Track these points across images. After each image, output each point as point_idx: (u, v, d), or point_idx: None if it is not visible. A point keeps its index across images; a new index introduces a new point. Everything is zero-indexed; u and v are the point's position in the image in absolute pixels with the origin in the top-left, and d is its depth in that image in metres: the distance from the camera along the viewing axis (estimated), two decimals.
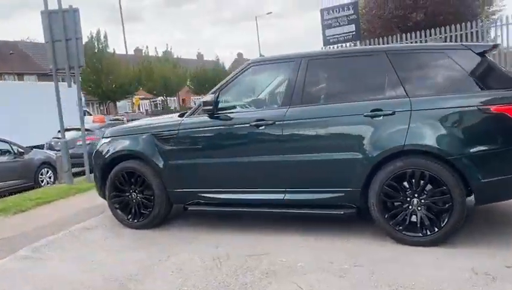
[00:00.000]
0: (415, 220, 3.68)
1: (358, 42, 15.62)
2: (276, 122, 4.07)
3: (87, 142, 9.17)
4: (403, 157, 3.67)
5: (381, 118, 3.73)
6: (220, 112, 4.34)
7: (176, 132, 4.52)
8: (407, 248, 3.62)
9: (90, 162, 6.69)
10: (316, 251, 3.73)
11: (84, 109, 17.36)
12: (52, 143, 12.79)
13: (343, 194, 3.92)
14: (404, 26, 18.56)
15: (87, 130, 9.81)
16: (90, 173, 7.59)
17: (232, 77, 4.44)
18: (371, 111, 3.76)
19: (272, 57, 4.55)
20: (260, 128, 4.14)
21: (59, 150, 9.39)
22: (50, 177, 10.43)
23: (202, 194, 4.48)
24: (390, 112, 3.69)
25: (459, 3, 20.03)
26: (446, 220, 3.56)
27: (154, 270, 3.64)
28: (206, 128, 4.42)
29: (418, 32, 14.02)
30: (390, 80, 3.83)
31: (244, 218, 4.69)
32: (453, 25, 13.48)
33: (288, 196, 4.12)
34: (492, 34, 13.60)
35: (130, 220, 4.85)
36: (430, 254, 3.47)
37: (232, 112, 4.33)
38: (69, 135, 10.04)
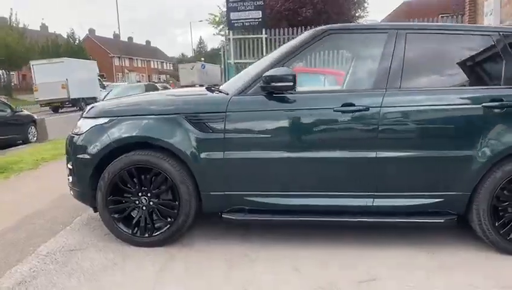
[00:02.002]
0: None
1: (264, 30, 15.14)
2: (371, 109, 3.19)
3: None
4: None
5: (503, 109, 3.16)
6: (290, 92, 3.25)
7: (223, 114, 3.28)
8: None
9: None
10: (439, 271, 2.99)
11: None
12: None
13: (443, 199, 3.25)
14: (293, 20, 18.84)
15: None
16: None
17: (302, 46, 3.38)
18: (490, 101, 3.16)
19: (357, 26, 3.64)
20: (347, 115, 3.21)
21: None
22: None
23: (252, 199, 3.35)
24: None
25: (344, 3, 21.18)
26: None
27: None
28: (268, 112, 3.29)
29: (302, 28, 14.32)
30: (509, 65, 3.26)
31: (292, 227, 3.69)
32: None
33: (378, 202, 3.29)
34: None
35: (138, 235, 3.44)
36: None
37: (306, 92, 3.29)
38: None
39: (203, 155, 3.29)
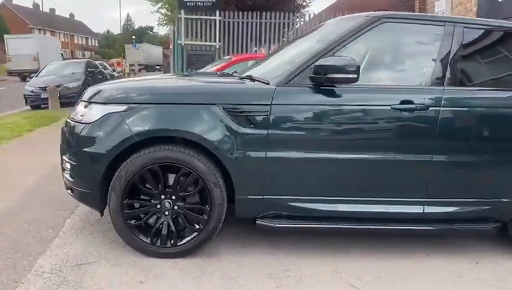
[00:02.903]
0: None
1: (218, 12, 14.51)
2: (430, 108, 2.92)
3: None
4: None
5: None
6: (341, 85, 2.88)
7: (267, 106, 2.83)
8: None
9: None
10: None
11: None
12: None
13: (493, 206, 3.10)
14: (241, 4, 18.37)
15: None
16: None
17: (352, 33, 3.01)
18: None
19: (413, 15, 3.27)
20: (405, 114, 2.91)
21: None
22: None
23: (294, 204, 2.96)
24: None
25: None
26: None
27: None
28: (316, 106, 2.89)
29: (250, 13, 14.26)
30: None
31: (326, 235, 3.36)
32: (273, 12, 14.38)
33: (428, 209, 3.05)
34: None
35: (159, 245, 2.91)
36: None
37: (360, 86, 2.93)
38: None
39: (242, 153, 2.84)
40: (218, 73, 4.22)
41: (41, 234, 3.18)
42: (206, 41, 14.58)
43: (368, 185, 3.00)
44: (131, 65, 28.72)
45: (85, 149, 2.84)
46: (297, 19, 14.65)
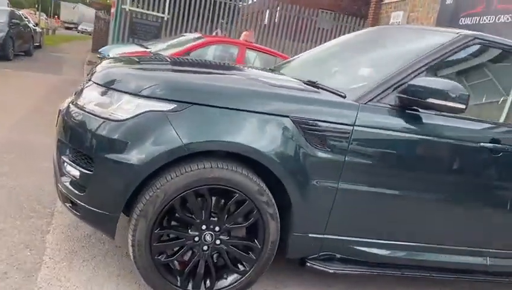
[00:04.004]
0: None
1: None
2: None
3: None
4: None
5: None
6: (424, 111, 2.42)
7: (350, 127, 2.27)
8: None
9: None
10: None
11: None
12: None
13: None
14: None
15: None
16: None
17: (441, 51, 2.52)
18: None
19: (506, 41, 2.84)
20: (493, 154, 2.53)
21: None
22: None
23: (357, 247, 2.47)
24: None
25: None
26: None
27: None
28: (404, 135, 2.37)
29: None
30: None
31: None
32: None
33: (493, 261, 2.73)
34: None
35: (190, 289, 2.24)
36: None
37: (448, 117, 2.48)
38: None
39: (311, 181, 2.25)
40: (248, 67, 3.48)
41: (17, 257, 2.31)
42: (153, 11, 13.39)
43: (439, 230, 2.59)
44: (66, 23, 26.14)
45: (109, 156, 2.05)
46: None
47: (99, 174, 2.09)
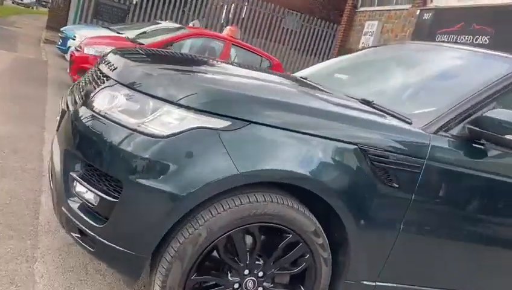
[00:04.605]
0: None
1: None
2: None
3: None
4: None
5: None
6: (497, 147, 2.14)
7: (422, 162, 1.94)
8: None
9: None
10: None
11: None
12: None
13: None
14: None
15: None
16: None
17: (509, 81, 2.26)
18: None
19: None
20: None
21: None
22: None
23: None
24: None
25: None
26: None
27: None
28: (476, 174, 2.07)
29: None
30: None
31: None
32: None
33: None
34: None
35: None
36: None
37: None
38: None
39: (373, 220, 1.91)
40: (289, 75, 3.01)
41: None
42: None
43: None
44: None
45: (143, 181, 1.60)
46: None
47: (127, 203, 1.63)
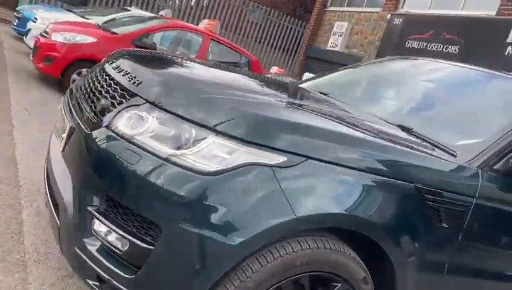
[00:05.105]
0: None
1: None
2: None
3: None
4: None
5: None
6: None
7: (471, 200, 1.80)
8: None
9: None
10: None
11: None
12: None
13: None
14: None
15: None
16: None
17: None
18: None
19: None
20: None
21: None
22: None
23: None
24: None
25: None
26: None
27: None
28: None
29: None
30: None
31: None
32: None
33: None
34: None
35: None
36: None
37: None
38: None
39: (422, 264, 1.76)
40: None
41: None
42: None
43: None
44: None
45: (187, 227, 1.34)
46: None
47: (166, 251, 1.37)
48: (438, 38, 9.67)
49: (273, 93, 2.18)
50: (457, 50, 9.18)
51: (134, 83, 1.67)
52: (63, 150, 1.73)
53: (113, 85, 1.77)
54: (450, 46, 9.34)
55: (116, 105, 1.64)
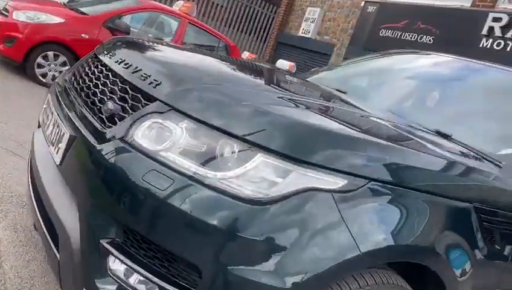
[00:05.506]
0: None
1: None
2: None
3: None
4: None
5: None
6: None
7: None
8: None
9: None
10: None
11: None
12: None
13: None
14: None
15: None
16: None
17: None
18: None
19: None
20: None
21: None
22: None
23: None
24: None
25: None
26: None
27: None
28: None
29: None
30: None
31: None
32: None
33: None
34: None
35: None
36: None
37: None
38: None
39: (474, 286, 1.59)
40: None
41: None
42: None
43: None
44: None
45: (234, 270, 1.08)
46: None
47: None
48: (412, 27, 9.64)
49: (310, 98, 1.91)
50: (432, 40, 9.16)
51: (151, 83, 1.36)
52: (60, 164, 1.41)
53: (119, 84, 1.46)
54: (425, 36, 9.32)
55: (129, 110, 1.34)
